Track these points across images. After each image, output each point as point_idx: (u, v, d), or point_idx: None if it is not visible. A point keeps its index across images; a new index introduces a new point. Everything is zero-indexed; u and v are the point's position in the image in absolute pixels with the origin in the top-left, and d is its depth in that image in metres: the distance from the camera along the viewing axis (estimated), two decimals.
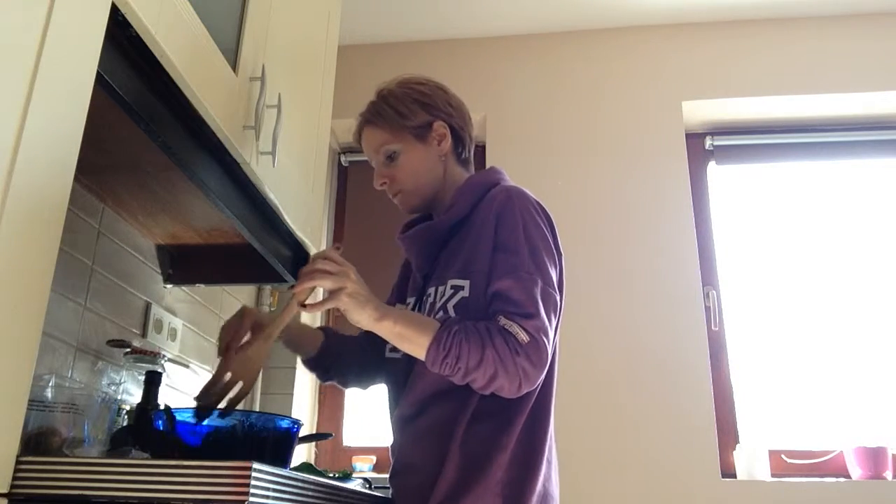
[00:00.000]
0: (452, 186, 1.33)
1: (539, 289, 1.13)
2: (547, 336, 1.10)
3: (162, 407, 1.11)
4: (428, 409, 1.20)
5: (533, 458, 1.15)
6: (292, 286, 1.13)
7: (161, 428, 1.00)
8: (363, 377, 1.43)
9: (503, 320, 1.09)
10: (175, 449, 0.98)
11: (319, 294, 1.14)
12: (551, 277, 1.17)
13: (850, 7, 2.65)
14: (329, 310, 1.44)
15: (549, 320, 1.13)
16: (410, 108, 1.31)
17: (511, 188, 1.25)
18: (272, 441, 1.02)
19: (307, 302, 1.10)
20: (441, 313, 1.20)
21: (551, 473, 1.20)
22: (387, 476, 1.27)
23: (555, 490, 1.20)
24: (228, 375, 1.04)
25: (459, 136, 1.35)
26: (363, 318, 1.09)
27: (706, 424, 2.28)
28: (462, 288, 1.19)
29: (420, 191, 1.32)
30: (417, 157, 1.31)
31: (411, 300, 1.34)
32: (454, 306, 1.19)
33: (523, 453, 1.14)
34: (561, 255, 1.25)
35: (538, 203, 1.25)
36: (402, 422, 1.26)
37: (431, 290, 1.26)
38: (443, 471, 1.12)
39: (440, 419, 1.17)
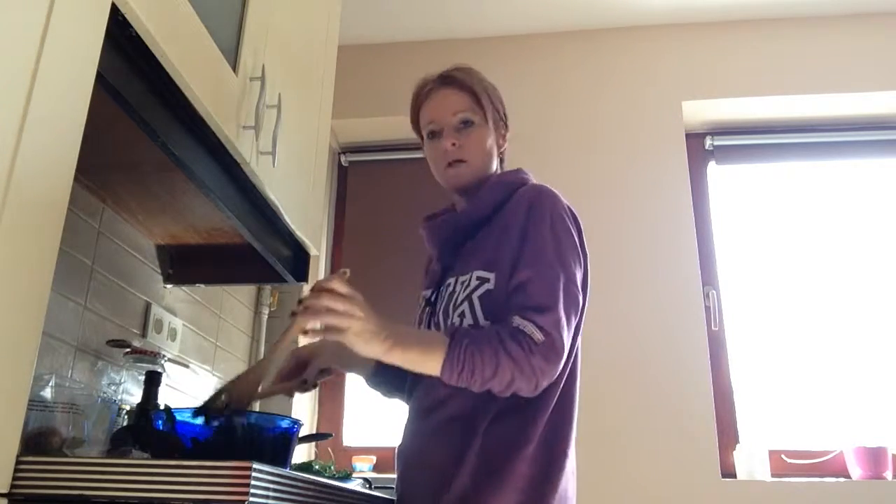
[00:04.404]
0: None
1: (561, 283, 1.15)
2: (562, 331, 1.11)
3: (162, 407, 1.11)
4: (448, 400, 1.19)
5: (555, 458, 1.15)
6: (293, 313, 1.05)
7: (161, 428, 1.00)
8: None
9: (517, 320, 1.10)
10: (175, 449, 0.98)
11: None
12: (574, 274, 1.18)
13: (850, 7, 2.65)
14: None
15: (568, 315, 1.14)
16: (497, 95, 1.40)
17: (542, 187, 1.27)
18: (272, 441, 1.02)
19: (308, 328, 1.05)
20: (465, 304, 1.20)
21: (570, 476, 1.19)
22: (386, 476, 1.27)
23: (572, 493, 1.19)
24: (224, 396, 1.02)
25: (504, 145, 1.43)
26: (371, 351, 1.06)
27: (706, 424, 2.28)
28: (488, 280, 1.20)
29: (479, 170, 1.34)
30: (487, 138, 1.35)
31: (427, 292, 1.36)
32: (479, 297, 1.20)
33: (546, 452, 1.14)
34: (587, 255, 1.26)
35: (567, 204, 1.27)
36: (420, 412, 1.25)
37: (451, 281, 1.27)
38: (462, 465, 1.12)
39: (461, 413, 1.16)
